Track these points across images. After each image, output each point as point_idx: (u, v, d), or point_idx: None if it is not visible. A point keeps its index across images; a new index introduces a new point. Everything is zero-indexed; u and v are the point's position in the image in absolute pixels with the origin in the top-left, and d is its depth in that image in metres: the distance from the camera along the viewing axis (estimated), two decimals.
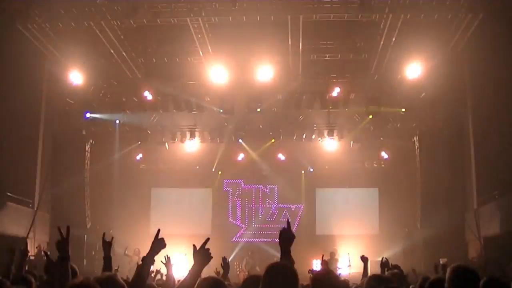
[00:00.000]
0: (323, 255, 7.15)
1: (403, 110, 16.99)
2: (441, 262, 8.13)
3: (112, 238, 5.07)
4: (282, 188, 20.31)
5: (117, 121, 17.40)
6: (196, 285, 3.58)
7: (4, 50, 13.31)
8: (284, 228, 3.80)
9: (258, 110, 17.33)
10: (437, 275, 5.86)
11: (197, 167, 20.12)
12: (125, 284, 3.72)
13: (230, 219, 20.29)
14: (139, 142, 18.53)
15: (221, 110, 17.00)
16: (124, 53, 15.45)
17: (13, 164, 13.75)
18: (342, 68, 16.38)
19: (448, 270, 3.96)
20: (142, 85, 16.95)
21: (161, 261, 5.93)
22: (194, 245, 3.63)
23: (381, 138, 18.30)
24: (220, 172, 20.19)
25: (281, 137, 18.68)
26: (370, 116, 16.75)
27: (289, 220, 3.99)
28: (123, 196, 19.25)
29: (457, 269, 3.90)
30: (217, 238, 19.65)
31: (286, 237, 3.75)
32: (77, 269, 4.85)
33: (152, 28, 14.31)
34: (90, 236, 17.84)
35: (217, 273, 7.17)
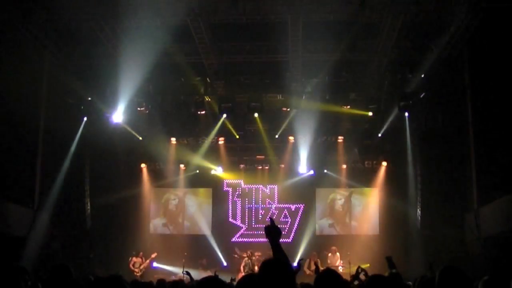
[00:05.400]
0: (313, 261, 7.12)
1: (407, 115, 17.03)
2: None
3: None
4: (282, 188, 20.32)
5: (117, 121, 17.31)
6: (196, 285, 3.57)
7: (4, 50, 13.32)
8: (267, 225, 3.85)
9: (256, 115, 17.38)
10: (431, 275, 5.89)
11: (197, 168, 20.12)
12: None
13: (230, 219, 20.29)
14: (140, 138, 18.52)
15: (221, 110, 16.99)
16: (124, 53, 15.44)
17: (13, 164, 13.76)
18: (342, 68, 16.37)
19: (438, 271, 4.03)
20: (142, 84, 16.95)
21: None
22: None
23: (380, 137, 18.29)
24: (220, 172, 20.18)
25: (282, 137, 18.71)
26: (370, 113, 16.72)
27: (272, 218, 4.03)
28: (123, 196, 19.24)
29: (446, 270, 3.96)
30: (217, 238, 19.77)
31: (273, 232, 3.76)
32: (72, 269, 4.84)
33: (152, 28, 14.30)
34: (90, 237, 17.85)
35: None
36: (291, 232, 20.02)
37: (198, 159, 19.66)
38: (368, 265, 17.36)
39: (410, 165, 17.98)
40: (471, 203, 15.13)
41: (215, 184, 20.39)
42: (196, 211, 20.65)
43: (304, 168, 19.55)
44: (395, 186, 18.99)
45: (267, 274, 3.19)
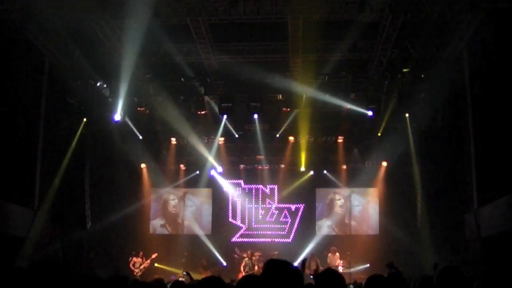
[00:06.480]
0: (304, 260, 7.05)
1: (407, 115, 17.03)
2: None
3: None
4: (282, 188, 20.32)
5: (117, 120, 17.30)
6: (197, 285, 3.55)
7: (4, 50, 13.31)
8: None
9: (256, 116, 17.40)
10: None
11: (197, 168, 20.12)
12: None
13: (230, 219, 20.29)
14: (141, 137, 18.53)
15: (221, 110, 16.98)
16: (124, 53, 15.43)
17: (13, 164, 13.74)
18: (342, 68, 16.37)
19: (437, 271, 4.06)
20: (142, 84, 16.97)
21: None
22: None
23: (380, 137, 18.28)
24: (220, 172, 20.17)
25: (282, 137, 18.71)
26: (370, 113, 16.71)
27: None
28: (123, 196, 19.24)
29: (445, 271, 3.98)
30: (217, 238, 19.77)
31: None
32: (71, 270, 4.83)
33: (153, 28, 14.30)
34: (90, 237, 17.85)
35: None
36: (291, 232, 20.03)
37: (198, 159, 19.67)
38: (368, 265, 17.40)
39: (410, 165, 17.98)
40: (471, 203, 15.11)
41: (215, 184, 20.40)
42: (196, 211, 20.67)
43: (304, 168, 19.56)
44: (395, 186, 18.98)
45: (275, 275, 3.07)
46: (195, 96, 17.07)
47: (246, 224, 20.22)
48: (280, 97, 17.48)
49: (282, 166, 20.08)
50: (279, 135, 18.54)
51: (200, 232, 20.10)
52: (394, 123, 17.72)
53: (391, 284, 4.73)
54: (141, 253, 17.65)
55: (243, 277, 3.60)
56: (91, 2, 13.25)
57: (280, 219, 20.23)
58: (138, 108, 17.51)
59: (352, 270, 16.39)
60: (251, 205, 20.41)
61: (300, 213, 20.19)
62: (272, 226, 20.19)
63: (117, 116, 16.70)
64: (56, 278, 4.58)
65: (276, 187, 20.40)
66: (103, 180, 18.62)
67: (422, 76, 15.92)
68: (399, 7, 13.23)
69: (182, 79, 16.70)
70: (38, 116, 15.31)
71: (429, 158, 17.22)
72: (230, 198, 20.42)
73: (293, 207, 20.24)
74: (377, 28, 14.53)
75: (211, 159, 19.41)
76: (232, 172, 20.38)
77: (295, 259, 18.25)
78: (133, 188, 19.76)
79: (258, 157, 19.91)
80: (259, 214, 20.34)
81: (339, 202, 20.45)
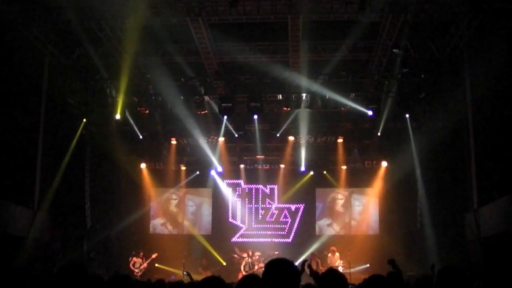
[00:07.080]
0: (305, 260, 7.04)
1: (407, 115, 17.03)
2: None
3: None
4: (282, 188, 20.32)
5: (118, 120, 17.30)
6: (197, 285, 3.56)
7: (4, 50, 13.31)
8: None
9: (256, 116, 17.39)
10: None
11: (197, 168, 20.11)
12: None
13: (230, 219, 20.29)
14: (141, 137, 18.52)
15: (221, 110, 16.97)
16: (124, 53, 15.44)
17: (13, 164, 13.75)
18: (342, 68, 16.37)
19: (437, 270, 4.06)
20: (142, 84, 16.97)
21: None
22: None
23: (380, 137, 18.28)
24: (219, 172, 20.16)
25: (282, 137, 18.70)
26: (370, 113, 16.69)
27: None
28: (123, 196, 19.23)
29: (445, 270, 3.98)
30: (217, 238, 19.78)
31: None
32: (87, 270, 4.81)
33: (153, 28, 14.30)
34: (90, 236, 17.84)
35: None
36: (291, 232, 20.03)
37: (198, 159, 19.66)
38: (368, 265, 17.40)
39: (410, 165, 17.98)
40: (471, 203, 15.11)
41: (215, 184, 20.40)
42: (196, 211, 20.67)
43: (304, 168, 19.56)
44: (395, 186, 18.97)
45: (273, 273, 3.18)
46: (195, 96, 17.07)
47: (246, 224, 20.23)
48: (280, 97, 17.48)
49: (282, 166, 20.08)
50: (279, 135, 18.53)
51: (200, 232, 20.11)
52: (394, 123, 17.71)
53: (391, 284, 4.74)
54: (141, 253, 17.65)
55: (243, 277, 3.61)
56: (91, 2, 13.26)
57: (280, 219, 20.24)
58: (138, 108, 17.51)
59: (352, 270, 16.37)
60: (251, 205, 20.41)
61: (300, 213, 20.20)
62: (272, 226, 20.20)
63: (117, 116, 16.69)
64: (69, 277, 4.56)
65: (276, 187, 20.41)
66: (103, 180, 18.61)
67: (422, 76, 15.92)
68: (399, 7, 13.24)
69: (182, 79, 16.69)
70: (38, 116, 15.32)
71: (429, 159, 17.22)
72: (230, 198, 20.42)
73: (293, 207, 20.25)
74: (377, 28, 14.54)
75: (211, 159, 19.40)
76: (232, 172, 20.38)
77: (295, 259, 18.28)
78: (133, 188, 19.75)
79: (258, 157, 19.91)
80: (259, 214, 20.35)
81: (339, 202, 20.47)
